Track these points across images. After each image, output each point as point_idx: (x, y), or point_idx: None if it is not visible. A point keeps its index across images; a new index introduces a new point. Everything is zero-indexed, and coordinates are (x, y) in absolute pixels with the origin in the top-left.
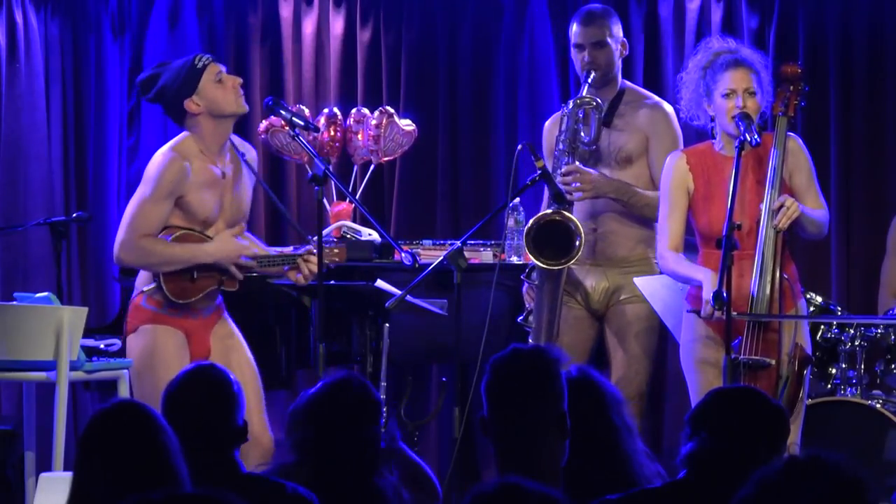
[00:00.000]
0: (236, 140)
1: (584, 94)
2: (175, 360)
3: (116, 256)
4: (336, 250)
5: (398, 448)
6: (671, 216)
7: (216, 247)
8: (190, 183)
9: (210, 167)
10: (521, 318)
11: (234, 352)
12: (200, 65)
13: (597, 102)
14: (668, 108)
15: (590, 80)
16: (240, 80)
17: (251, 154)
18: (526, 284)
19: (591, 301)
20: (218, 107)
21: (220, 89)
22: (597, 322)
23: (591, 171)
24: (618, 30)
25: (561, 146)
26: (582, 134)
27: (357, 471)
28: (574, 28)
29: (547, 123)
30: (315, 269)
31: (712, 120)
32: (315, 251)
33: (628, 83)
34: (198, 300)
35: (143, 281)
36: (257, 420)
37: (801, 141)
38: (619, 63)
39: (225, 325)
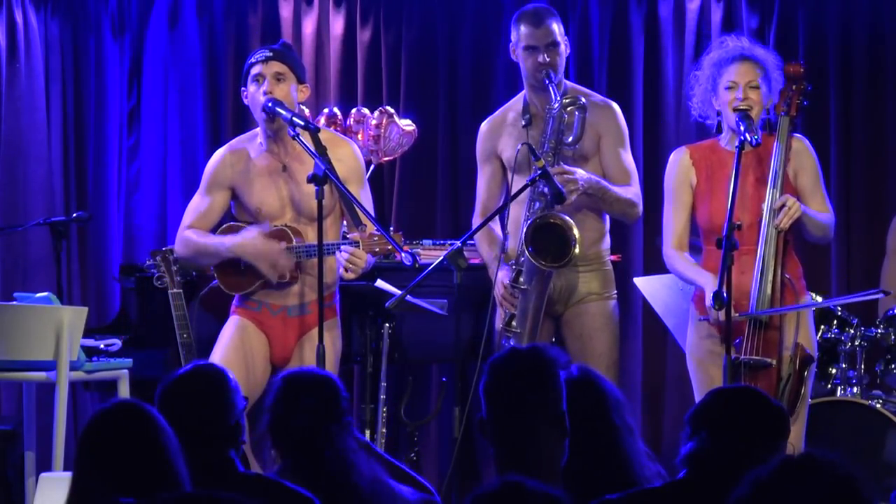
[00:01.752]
0: (327, 135)
1: (559, 96)
2: (227, 341)
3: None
4: (376, 238)
5: (370, 449)
6: (675, 214)
7: (233, 240)
8: (238, 175)
9: (269, 159)
10: (502, 324)
11: None
12: (252, 60)
13: (581, 103)
14: (615, 105)
15: (555, 81)
16: (267, 88)
17: (341, 151)
18: (500, 290)
19: (551, 302)
20: (251, 104)
21: (254, 88)
22: (553, 322)
23: (576, 169)
24: (562, 28)
25: (546, 147)
26: (564, 135)
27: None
28: (522, 30)
29: (484, 126)
30: (357, 261)
31: (718, 115)
32: (353, 244)
33: (569, 83)
34: (270, 294)
35: None
36: None
37: (808, 142)
38: (564, 63)
39: (313, 342)
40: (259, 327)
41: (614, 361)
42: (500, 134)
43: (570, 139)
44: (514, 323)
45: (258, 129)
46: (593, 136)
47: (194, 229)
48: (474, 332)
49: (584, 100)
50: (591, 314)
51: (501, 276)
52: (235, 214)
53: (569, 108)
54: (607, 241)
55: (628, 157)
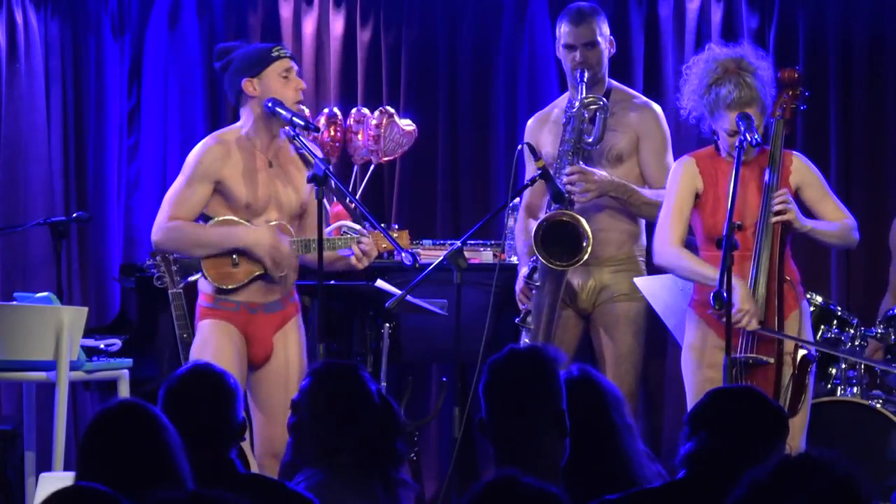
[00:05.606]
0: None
1: (584, 94)
2: (216, 345)
3: (152, 240)
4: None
5: None
6: (678, 215)
7: (247, 231)
8: (228, 168)
9: (256, 154)
10: (517, 318)
11: (291, 365)
12: (275, 54)
13: (602, 102)
14: (657, 108)
15: (585, 80)
16: (303, 85)
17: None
18: (521, 285)
19: (579, 300)
20: (264, 96)
21: (280, 82)
22: (582, 321)
23: (595, 170)
24: (606, 28)
25: (565, 146)
26: (586, 134)
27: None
28: (563, 28)
29: (530, 122)
30: (371, 252)
31: (714, 134)
32: (365, 233)
33: (615, 83)
34: (252, 292)
35: (201, 282)
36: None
37: (801, 156)
38: (607, 62)
39: (293, 333)
40: (238, 328)
41: (636, 364)
42: (543, 130)
43: (591, 139)
44: (529, 319)
45: (236, 125)
46: (632, 137)
47: (180, 220)
48: (474, 332)
49: (604, 100)
50: (617, 314)
51: (523, 272)
52: (207, 209)
53: (590, 108)
54: (641, 242)
55: (667, 161)
